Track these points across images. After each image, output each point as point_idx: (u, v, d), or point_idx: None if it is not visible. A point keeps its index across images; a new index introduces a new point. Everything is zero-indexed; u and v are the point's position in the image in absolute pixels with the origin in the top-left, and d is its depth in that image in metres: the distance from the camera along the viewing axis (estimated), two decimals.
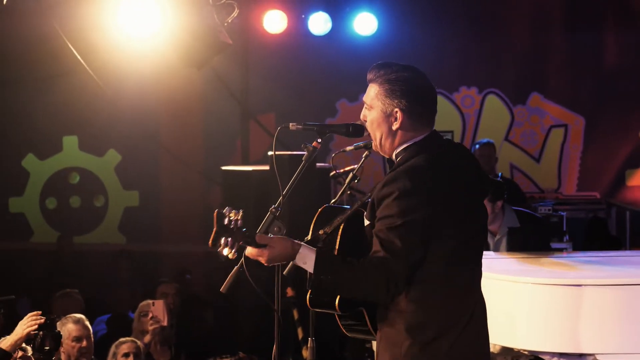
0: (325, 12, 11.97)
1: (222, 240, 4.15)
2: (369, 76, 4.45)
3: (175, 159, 12.23)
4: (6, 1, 8.76)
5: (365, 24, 12.03)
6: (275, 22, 11.93)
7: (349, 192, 5.08)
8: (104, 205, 12.65)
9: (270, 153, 7.98)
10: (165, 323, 7.72)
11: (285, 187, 4.39)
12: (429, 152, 4.34)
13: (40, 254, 12.13)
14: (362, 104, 4.47)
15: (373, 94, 4.40)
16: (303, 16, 11.99)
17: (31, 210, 12.54)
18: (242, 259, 4.35)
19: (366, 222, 4.42)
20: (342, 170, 5.45)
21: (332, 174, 5.56)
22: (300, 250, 4.24)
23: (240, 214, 4.19)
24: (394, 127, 4.38)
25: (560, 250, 9.29)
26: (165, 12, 9.07)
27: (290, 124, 4.50)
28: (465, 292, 4.38)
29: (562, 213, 10.74)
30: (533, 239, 7.87)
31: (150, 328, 7.81)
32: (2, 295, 6.98)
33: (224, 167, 10.01)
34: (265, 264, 4.28)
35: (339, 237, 4.40)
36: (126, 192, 12.62)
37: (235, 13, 9.36)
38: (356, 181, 5.07)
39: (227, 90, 12.34)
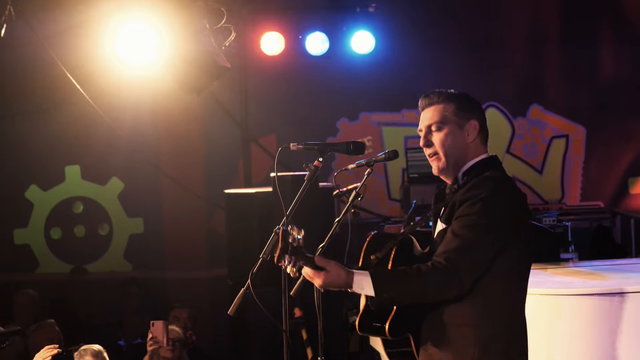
0: (322, 32, 11.97)
1: (286, 258, 4.16)
2: (426, 101, 4.50)
3: (177, 184, 12.22)
4: (3, 33, 8.80)
5: (362, 42, 12.02)
6: (272, 44, 11.95)
7: (352, 210, 5.08)
8: (108, 234, 12.63)
9: (272, 174, 7.99)
10: (164, 344, 7.62)
11: (289, 207, 4.39)
12: (498, 167, 4.45)
13: (47, 285, 12.09)
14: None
15: (443, 112, 4.46)
16: (300, 37, 12.00)
17: (36, 241, 12.52)
18: (249, 280, 4.34)
19: (440, 227, 4.44)
20: (345, 189, 5.46)
21: (335, 192, 5.57)
22: (355, 278, 4.23)
23: (302, 232, 4.22)
24: (469, 140, 4.45)
25: (567, 260, 9.29)
26: (163, 39, 9.09)
27: (291, 144, 4.50)
28: (524, 305, 4.46)
29: (567, 223, 10.70)
30: (543, 251, 7.92)
31: (150, 349, 7.71)
32: (9, 327, 6.98)
33: (227, 191, 9.99)
34: (319, 287, 4.27)
35: (390, 260, 4.42)
36: (130, 220, 12.61)
37: (232, 37, 9.38)
38: (359, 199, 5.07)
39: (226, 113, 12.33)
